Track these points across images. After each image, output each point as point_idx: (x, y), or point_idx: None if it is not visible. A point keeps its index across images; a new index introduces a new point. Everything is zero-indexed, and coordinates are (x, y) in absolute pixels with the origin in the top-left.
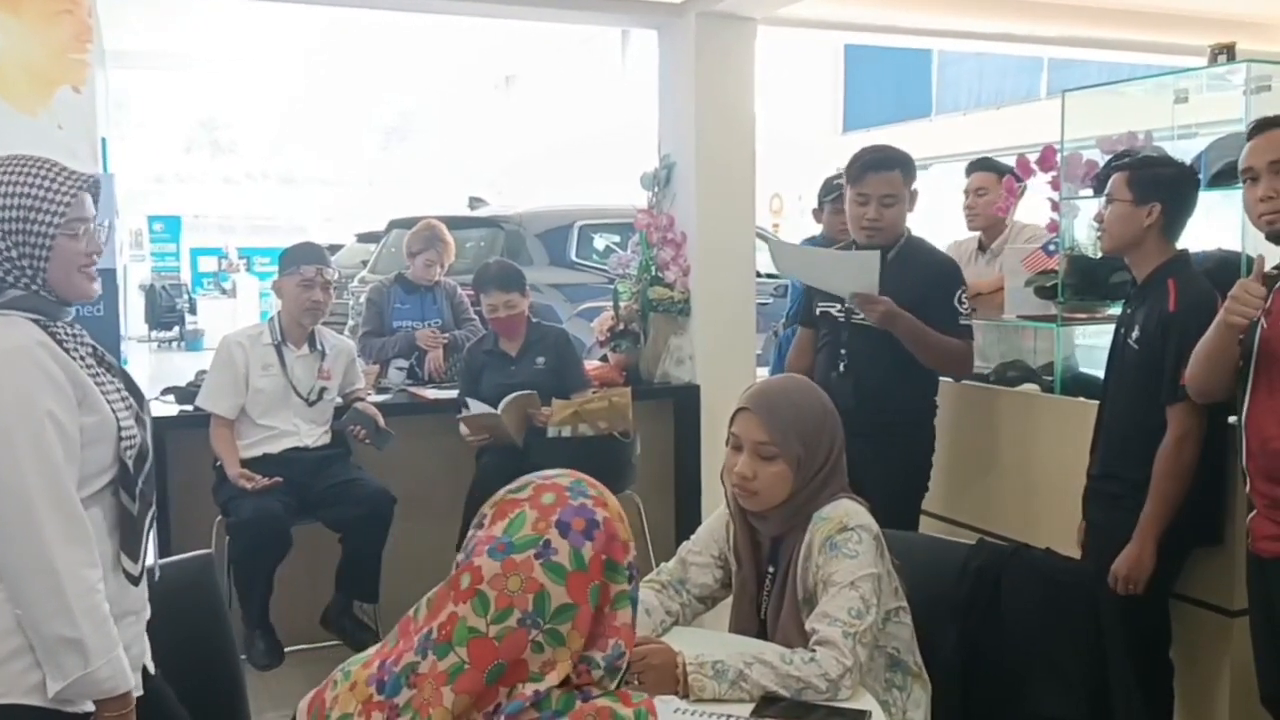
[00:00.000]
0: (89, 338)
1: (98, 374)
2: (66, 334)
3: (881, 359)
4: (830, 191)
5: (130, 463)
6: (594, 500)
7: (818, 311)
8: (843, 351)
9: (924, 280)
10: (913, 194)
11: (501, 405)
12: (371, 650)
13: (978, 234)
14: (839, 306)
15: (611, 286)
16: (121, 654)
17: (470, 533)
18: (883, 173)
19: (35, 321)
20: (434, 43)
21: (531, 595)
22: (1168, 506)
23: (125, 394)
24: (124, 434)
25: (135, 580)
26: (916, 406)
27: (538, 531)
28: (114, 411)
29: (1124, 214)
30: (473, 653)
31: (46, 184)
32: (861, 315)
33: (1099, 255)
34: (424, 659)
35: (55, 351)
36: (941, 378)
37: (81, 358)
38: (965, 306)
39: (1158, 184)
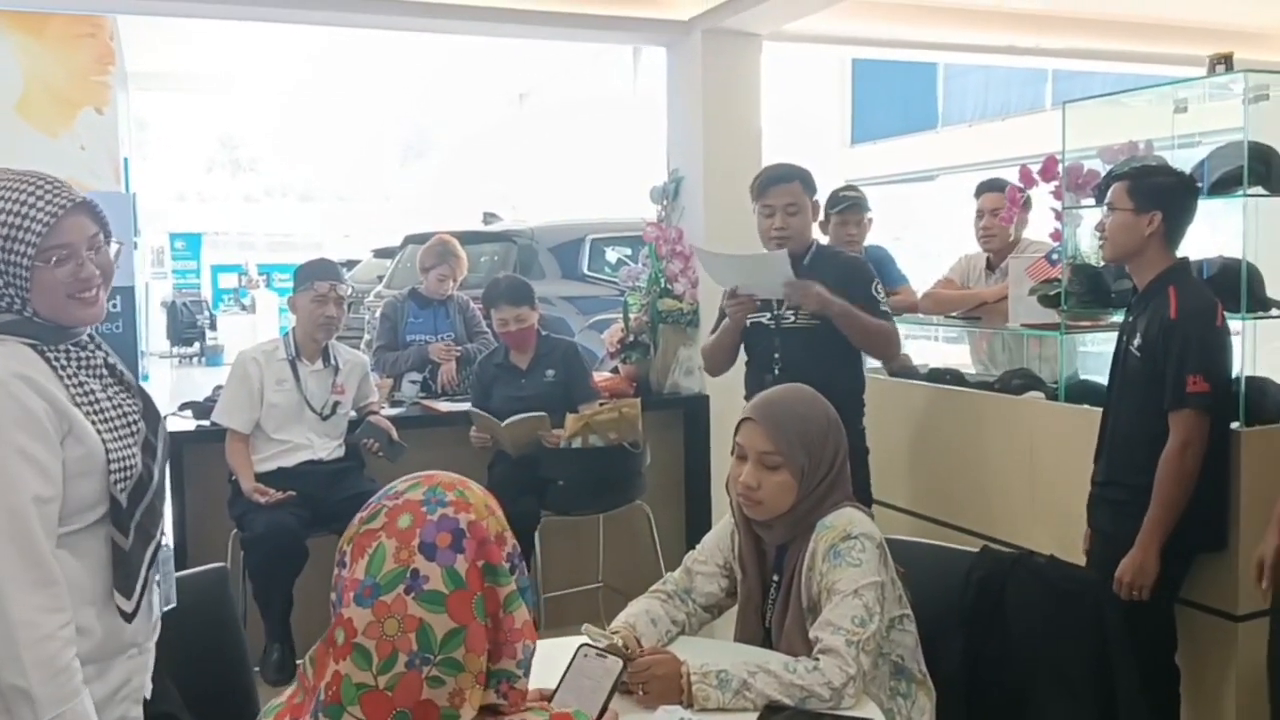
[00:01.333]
0: (101, 356)
1: (97, 400)
2: (67, 358)
3: (813, 359)
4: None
5: (123, 497)
6: (454, 505)
7: (748, 323)
8: (776, 356)
9: (840, 279)
10: (814, 204)
11: (506, 422)
12: (285, 695)
13: (986, 252)
14: (768, 315)
15: (622, 299)
16: (83, 705)
17: (335, 571)
18: (783, 184)
19: (31, 346)
20: (450, 61)
21: (413, 634)
22: (1171, 512)
23: (135, 419)
24: (114, 466)
25: (129, 617)
26: (849, 403)
27: (401, 563)
28: (104, 443)
29: (1125, 223)
30: (367, 709)
31: (25, 209)
32: (791, 320)
33: (1101, 263)
34: None
35: (38, 383)
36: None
37: (80, 383)
38: (881, 295)
39: (1158, 193)
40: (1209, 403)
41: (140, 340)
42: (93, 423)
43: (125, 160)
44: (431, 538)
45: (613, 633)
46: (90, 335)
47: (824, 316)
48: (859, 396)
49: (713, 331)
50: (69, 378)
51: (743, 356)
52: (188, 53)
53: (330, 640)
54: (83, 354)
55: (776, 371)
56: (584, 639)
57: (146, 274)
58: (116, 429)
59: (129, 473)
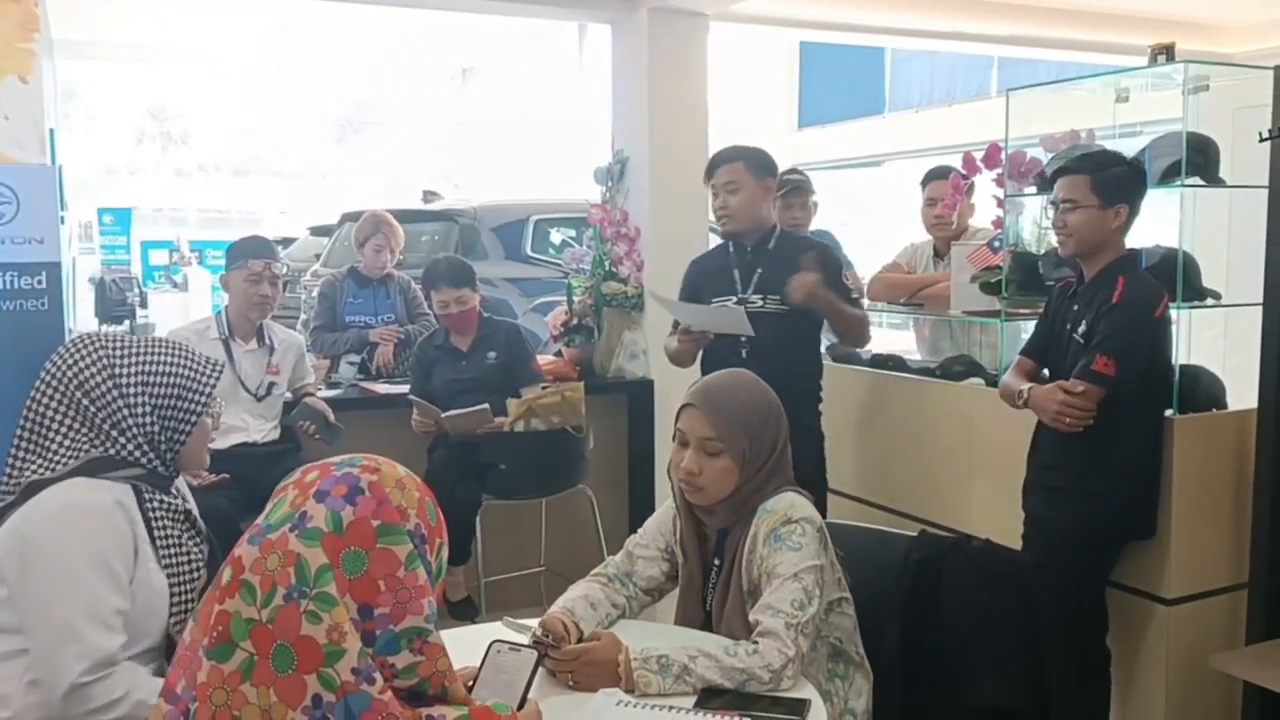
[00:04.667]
0: (181, 503)
1: (174, 544)
2: (159, 503)
3: (779, 343)
4: (780, 187)
5: (178, 635)
6: (362, 468)
7: (713, 304)
8: (743, 339)
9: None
10: (765, 186)
11: (447, 414)
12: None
13: (931, 239)
14: (734, 300)
15: (566, 281)
16: None
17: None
18: (724, 165)
19: (134, 487)
20: (390, 34)
21: (291, 568)
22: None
23: (199, 566)
24: (174, 608)
25: None
26: (810, 387)
27: (294, 507)
28: (170, 585)
29: (1093, 219)
30: (257, 643)
31: (197, 367)
32: (759, 304)
33: (1044, 252)
34: (204, 667)
35: (132, 513)
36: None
37: (165, 527)
38: (850, 281)
39: (1121, 185)
40: (1108, 385)
41: (68, 318)
42: (166, 564)
43: (51, 131)
44: (329, 487)
45: (540, 624)
46: (177, 484)
47: (807, 306)
48: (818, 381)
49: (671, 333)
50: (156, 520)
51: None
52: (118, 21)
53: (218, 582)
54: (173, 501)
55: (744, 355)
56: (501, 636)
57: (74, 250)
58: (183, 574)
59: (187, 614)
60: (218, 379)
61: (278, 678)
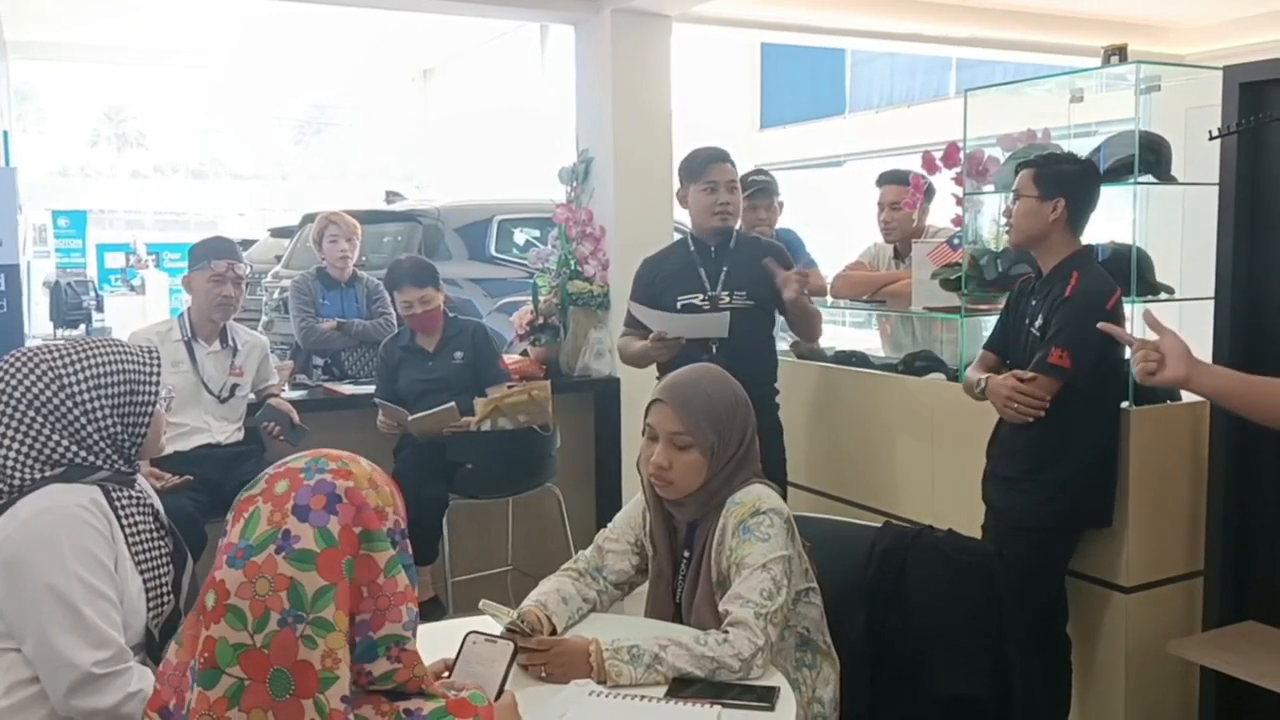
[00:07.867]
0: (148, 497)
1: (144, 538)
2: (128, 499)
3: (745, 339)
4: (746, 188)
5: (156, 630)
6: (334, 473)
7: (679, 305)
8: (714, 341)
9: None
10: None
11: (413, 417)
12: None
13: (889, 243)
14: (701, 297)
15: (531, 281)
16: None
17: (219, 543)
18: (724, 162)
19: (101, 488)
20: (350, 34)
21: (284, 592)
22: None
23: (167, 560)
24: (151, 602)
25: None
26: (770, 381)
27: (274, 525)
28: (144, 580)
29: (1030, 209)
30: (246, 668)
31: (140, 358)
32: (727, 301)
33: (1001, 249)
34: (193, 692)
35: (106, 513)
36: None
37: (135, 522)
38: (812, 280)
39: (1062, 180)
40: (1064, 376)
41: (26, 322)
42: (140, 562)
43: (5, 134)
44: (305, 500)
45: (519, 614)
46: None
47: (795, 301)
48: (775, 374)
49: (625, 332)
50: (126, 517)
51: None
52: (73, 23)
53: (200, 607)
54: (138, 495)
55: (714, 350)
56: (477, 627)
57: (28, 253)
58: (156, 567)
59: (163, 608)
60: (160, 365)
61: (275, 702)
